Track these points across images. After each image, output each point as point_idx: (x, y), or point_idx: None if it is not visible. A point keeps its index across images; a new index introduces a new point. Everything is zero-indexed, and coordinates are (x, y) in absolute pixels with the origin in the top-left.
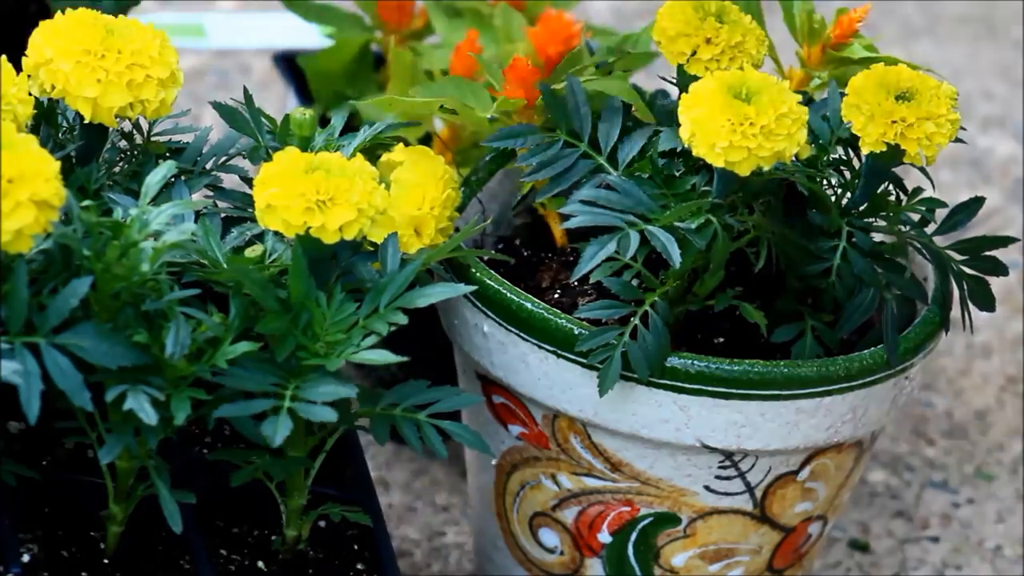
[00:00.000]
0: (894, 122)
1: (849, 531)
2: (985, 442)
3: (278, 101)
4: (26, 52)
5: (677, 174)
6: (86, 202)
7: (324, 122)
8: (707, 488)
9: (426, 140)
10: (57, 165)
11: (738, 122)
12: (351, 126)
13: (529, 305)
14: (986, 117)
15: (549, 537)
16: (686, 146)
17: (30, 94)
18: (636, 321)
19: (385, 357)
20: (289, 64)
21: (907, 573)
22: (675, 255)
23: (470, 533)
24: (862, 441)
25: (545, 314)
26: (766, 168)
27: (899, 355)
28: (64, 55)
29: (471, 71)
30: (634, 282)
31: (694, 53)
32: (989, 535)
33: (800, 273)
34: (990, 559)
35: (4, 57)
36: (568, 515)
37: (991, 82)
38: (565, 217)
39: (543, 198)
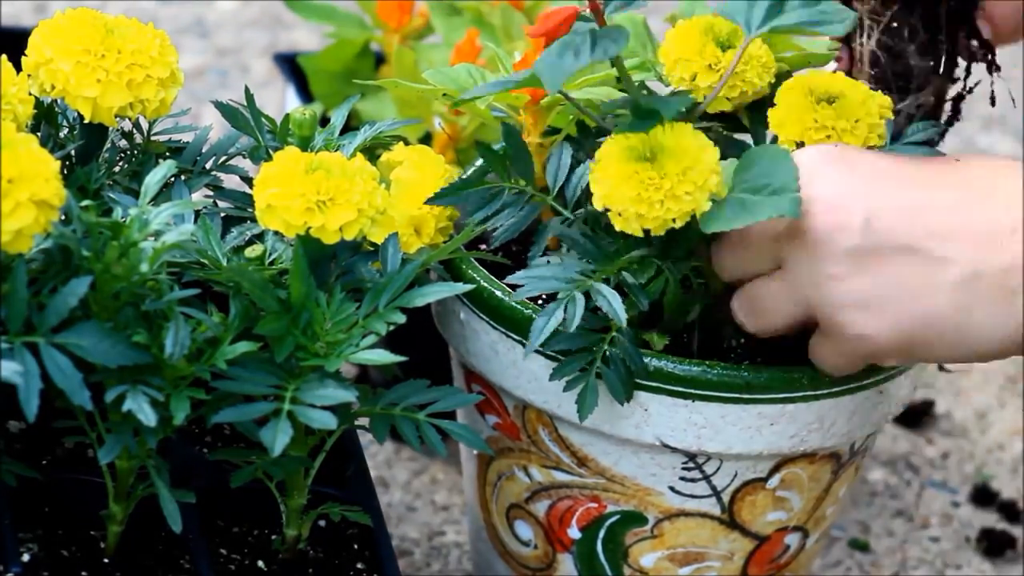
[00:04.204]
0: (815, 122)
1: (849, 530)
2: (985, 442)
3: (278, 101)
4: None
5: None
6: (86, 202)
7: (324, 122)
8: (672, 489)
9: (426, 140)
10: (57, 165)
11: (643, 190)
12: (351, 126)
13: (499, 294)
14: (986, 117)
15: (524, 530)
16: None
17: (30, 94)
18: (606, 347)
19: (384, 357)
20: (289, 63)
21: (907, 573)
22: (620, 314)
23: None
24: (838, 453)
25: (513, 304)
26: (679, 227)
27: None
28: (64, 55)
29: None
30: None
31: (695, 79)
32: None
33: None
34: (991, 559)
35: (4, 57)
36: (540, 508)
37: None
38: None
39: (497, 244)
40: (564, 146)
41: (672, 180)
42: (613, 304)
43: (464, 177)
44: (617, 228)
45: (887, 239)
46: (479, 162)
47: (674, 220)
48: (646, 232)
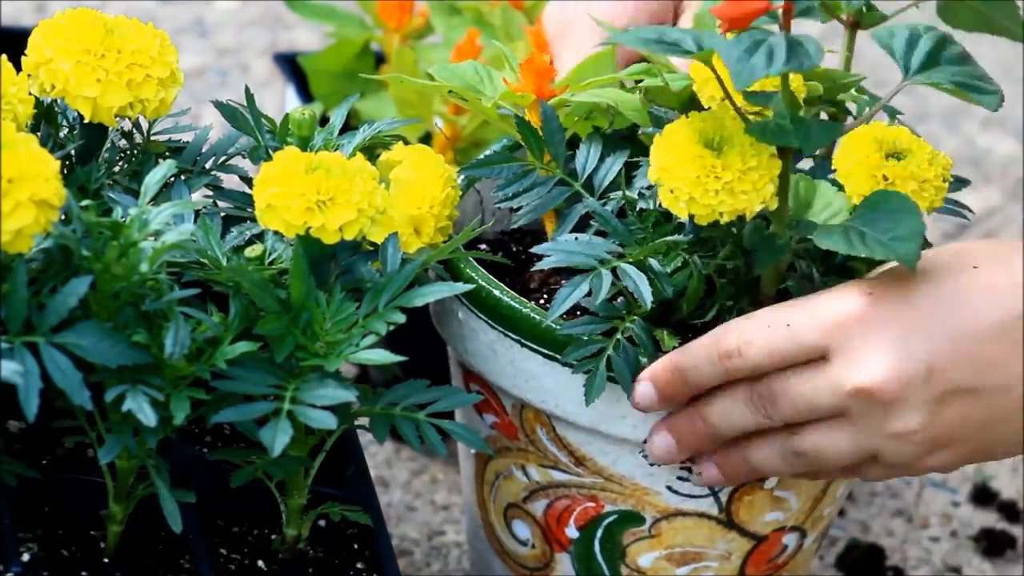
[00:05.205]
0: (884, 179)
1: (849, 530)
2: None
3: (278, 101)
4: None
5: (652, 207)
6: (86, 202)
7: (324, 122)
8: (669, 488)
9: (426, 140)
10: (57, 165)
11: (704, 175)
12: (350, 125)
13: (497, 293)
14: (986, 116)
15: (521, 529)
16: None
17: (30, 94)
18: (620, 336)
19: (384, 357)
20: (289, 63)
21: (908, 572)
22: (646, 295)
23: None
24: None
25: (512, 303)
26: (724, 222)
27: None
28: (64, 54)
29: None
30: (620, 299)
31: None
32: None
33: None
34: (991, 559)
35: (4, 57)
36: (538, 508)
37: None
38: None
39: (518, 224)
40: (596, 137)
41: (733, 174)
42: (639, 285)
43: (494, 151)
44: (663, 205)
45: (948, 385)
46: (505, 141)
47: (721, 215)
48: (679, 225)
